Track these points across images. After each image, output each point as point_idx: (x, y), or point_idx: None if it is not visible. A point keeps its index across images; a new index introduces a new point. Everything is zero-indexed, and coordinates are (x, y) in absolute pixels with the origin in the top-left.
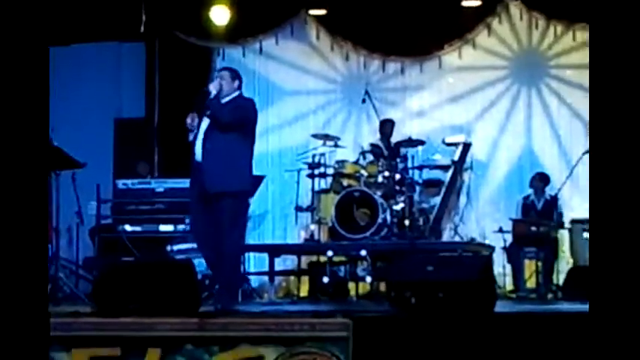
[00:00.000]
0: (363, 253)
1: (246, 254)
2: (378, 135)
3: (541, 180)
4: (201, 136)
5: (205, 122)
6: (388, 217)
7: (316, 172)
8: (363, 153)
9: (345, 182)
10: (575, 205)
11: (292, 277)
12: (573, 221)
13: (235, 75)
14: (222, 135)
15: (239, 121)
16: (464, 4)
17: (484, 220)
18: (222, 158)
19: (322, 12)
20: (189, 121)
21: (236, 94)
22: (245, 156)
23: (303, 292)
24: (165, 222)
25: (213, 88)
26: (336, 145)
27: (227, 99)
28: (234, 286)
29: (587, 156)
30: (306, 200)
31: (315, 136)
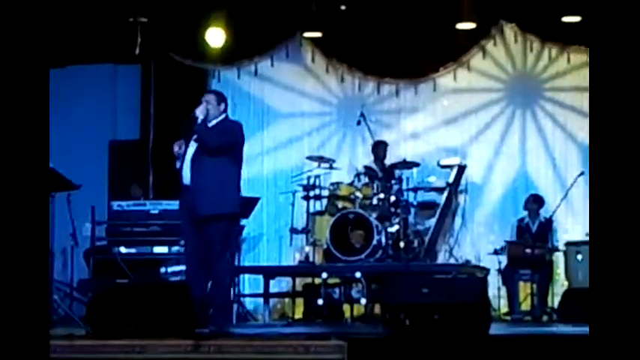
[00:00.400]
0: (358, 275)
1: (241, 276)
2: (372, 157)
3: (535, 202)
4: (188, 160)
5: (193, 147)
6: (383, 239)
7: (311, 194)
8: (358, 175)
9: (340, 204)
10: (570, 227)
11: (287, 299)
12: (568, 243)
13: (221, 98)
14: (210, 159)
15: (226, 145)
16: (459, 26)
17: (479, 242)
18: (210, 181)
19: (317, 34)
20: (176, 148)
21: (222, 117)
22: (233, 178)
23: (298, 314)
24: (160, 244)
25: (199, 113)
26: (331, 167)
27: (214, 122)
28: (228, 308)
29: (581, 178)
30: (301, 222)
31: (310, 158)
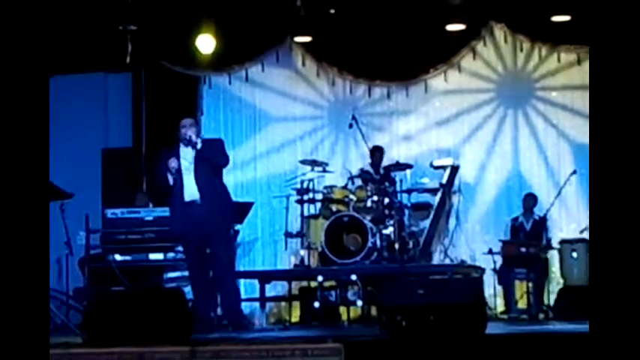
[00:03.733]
0: (354, 277)
1: (237, 281)
2: (369, 160)
3: (529, 200)
4: (191, 177)
5: (189, 164)
6: (378, 242)
7: (305, 197)
8: (351, 178)
9: (334, 207)
10: (564, 225)
11: (283, 303)
12: (562, 241)
13: (197, 120)
14: (213, 175)
15: (224, 160)
16: (448, 28)
17: (474, 242)
18: (218, 196)
19: (307, 39)
20: (173, 165)
21: (201, 137)
22: (227, 189)
23: (295, 317)
24: (155, 250)
25: (194, 136)
26: (324, 171)
27: (200, 144)
28: (240, 312)
29: (574, 176)
30: (295, 226)
31: (303, 162)
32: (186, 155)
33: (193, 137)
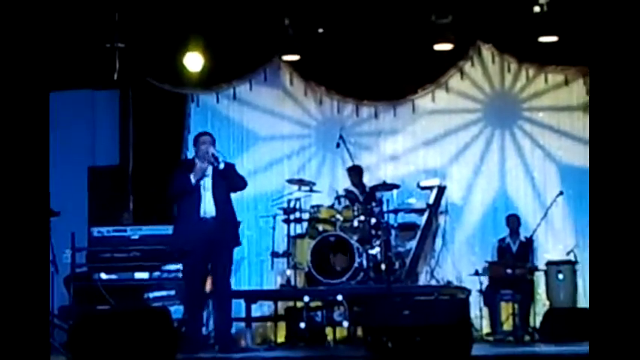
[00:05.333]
0: (340, 297)
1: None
2: (349, 182)
3: (513, 221)
4: (209, 194)
5: (208, 182)
6: (364, 262)
7: (292, 217)
8: (338, 198)
9: (320, 227)
10: (550, 246)
11: (269, 323)
12: (549, 263)
13: (212, 137)
14: (227, 194)
15: (242, 183)
16: (436, 47)
17: (460, 263)
18: (231, 214)
19: (295, 57)
20: (185, 183)
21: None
22: (234, 209)
23: (281, 338)
24: (141, 269)
25: (214, 154)
26: (311, 190)
27: (222, 164)
28: (230, 331)
29: (560, 198)
30: (282, 246)
31: (290, 181)
32: (206, 172)
33: (216, 154)
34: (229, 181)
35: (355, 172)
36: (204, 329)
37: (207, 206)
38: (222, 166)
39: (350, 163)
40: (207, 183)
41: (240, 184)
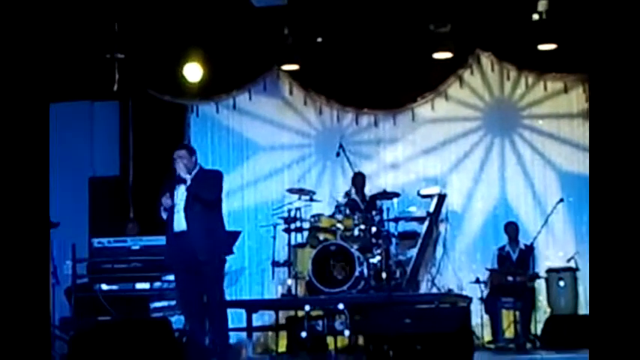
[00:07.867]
0: (341, 306)
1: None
2: (353, 189)
3: (511, 229)
4: (181, 210)
5: (180, 198)
6: (365, 270)
7: (292, 226)
8: (338, 206)
9: (321, 236)
10: (551, 253)
11: (270, 333)
12: (549, 270)
13: (192, 151)
14: (202, 207)
15: (219, 196)
16: (435, 56)
17: (461, 270)
18: (205, 227)
19: (295, 67)
20: (168, 202)
21: (197, 168)
22: (221, 221)
23: (282, 347)
24: (142, 280)
25: (182, 172)
26: (311, 200)
27: (192, 175)
28: (228, 342)
29: (561, 205)
30: (282, 255)
31: (290, 190)
32: (180, 187)
33: (182, 173)
34: (198, 195)
35: (359, 180)
36: (206, 339)
37: (179, 222)
38: (188, 182)
39: (350, 172)
40: (181, 197)
41: (208, 196)
